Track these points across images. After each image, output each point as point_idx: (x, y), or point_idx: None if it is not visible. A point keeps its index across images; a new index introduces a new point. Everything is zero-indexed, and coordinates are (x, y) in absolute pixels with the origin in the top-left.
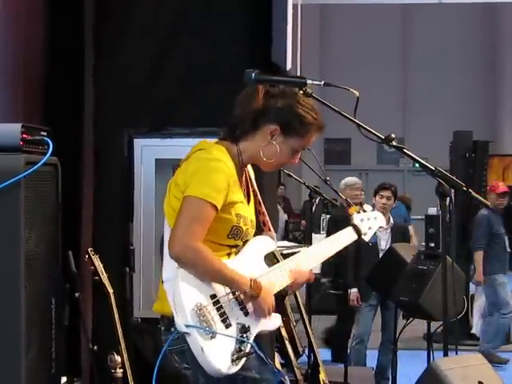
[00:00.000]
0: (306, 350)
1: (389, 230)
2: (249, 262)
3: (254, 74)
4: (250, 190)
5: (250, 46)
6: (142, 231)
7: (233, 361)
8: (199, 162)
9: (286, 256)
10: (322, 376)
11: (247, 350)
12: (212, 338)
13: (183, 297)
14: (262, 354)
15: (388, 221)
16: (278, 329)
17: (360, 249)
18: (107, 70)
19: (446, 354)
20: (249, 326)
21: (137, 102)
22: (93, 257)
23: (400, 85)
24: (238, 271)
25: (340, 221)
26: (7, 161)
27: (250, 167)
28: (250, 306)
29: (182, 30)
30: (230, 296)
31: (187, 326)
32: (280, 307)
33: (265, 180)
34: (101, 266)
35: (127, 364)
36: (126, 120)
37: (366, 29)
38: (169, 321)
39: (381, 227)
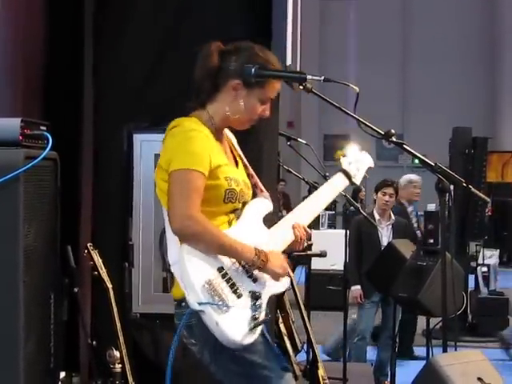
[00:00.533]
0: (305, 346)
1: (390, 227)
2: (250, 226)
3: (253, 69)
4: (235, 154)
5: (250, 39)
6: (141, 226)
7: (250, 329)
8: (174, 137)
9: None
10: (320, 372)
11: (262, 317)
12: (226, 311)
13: (191, 275)
14: (269, 338)
15: (389, 217)
16: (277, 325)
17: (362, 245)
18: (107, 65)
19: (445, 350)
20: (259, 293)
21: (136, 96)
22: (92, 252)
23: (399, 81)
24: (241, 240)
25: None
26: (7, 155)
27: (230, 134)
28: (257, 273)
29: (181, 26)
30: (237, 265)
31: (200, 304)
32: (279, 303)
33: (264, 176)
34: (100, 260)
35: (126, 359)
36: (125, 115)
37: (366, 24)
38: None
39: (370, 167)
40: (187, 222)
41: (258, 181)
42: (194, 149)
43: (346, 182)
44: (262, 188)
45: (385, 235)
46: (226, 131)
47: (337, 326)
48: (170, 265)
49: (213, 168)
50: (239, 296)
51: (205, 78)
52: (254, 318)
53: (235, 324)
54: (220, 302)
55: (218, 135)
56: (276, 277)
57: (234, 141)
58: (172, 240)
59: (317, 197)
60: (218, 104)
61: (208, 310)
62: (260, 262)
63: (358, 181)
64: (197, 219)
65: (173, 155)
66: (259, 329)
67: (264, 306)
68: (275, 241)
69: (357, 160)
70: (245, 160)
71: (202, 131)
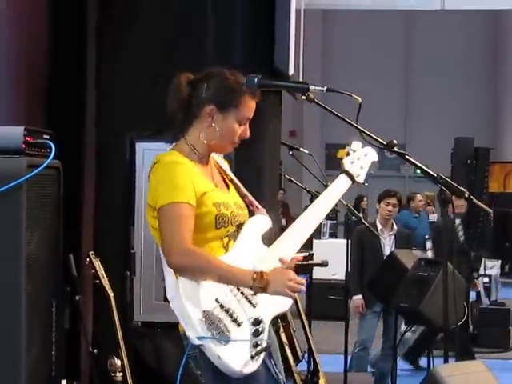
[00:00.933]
0: (306, 356)
1: (392, 237)
2: (248, 247)
3: (256, 79)
4: (226, 178)
5: (253, 50)
6: (143, 235)
7: (252, 357)
8: (156, 174)
9: None
10: (321, 382)
11: (264, 345)
12: (226, 342)
13: (189, 309)
14: (269, 366)
15: (391, 227)
16: (278, 334)
17: (364, 255)
18: (110, 72)
19: (446, 361)
20: (261, 317)
21: (139, 105)
22: (93, 260)
23: (402, 91)
24: (239, 264)
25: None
26: (9, 163)
27: (220, 159)
28: (254, 298)
29: (185, 34)
30: (235, 292)
31: (199, 338)
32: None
33: (266, 186)
34: (101, 269)
35: (127, 368)
36: (128, 123)
37: (369, 34)
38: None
39: (374, 161)
40: (182, 257)
41: (253, 199)
42: (177, 182)
43: (349, 183)
44: (258, 205)
45: (387, 245)
46: (216, 157)
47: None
48: (170, 300)
49: (199, 196)
50: (239, 324)
51: (177, 111)
52: (256, 345)
53: (237, 354)
54: (219, 335)
55: (203, 163)
56: (283, 295)
57: (225, 166)
58: (168, 274)
59: (320, 202)
60: (196, 133)
61: (208, 344)
62: (259, 286)
63: (361, 179)
64: (191, 252)
65: (157, 191)
66: (262, 356)
67: (266, 330)
68: (276, 257)
69: (359, 157)
70: (237, 181)
71: (182, 163)
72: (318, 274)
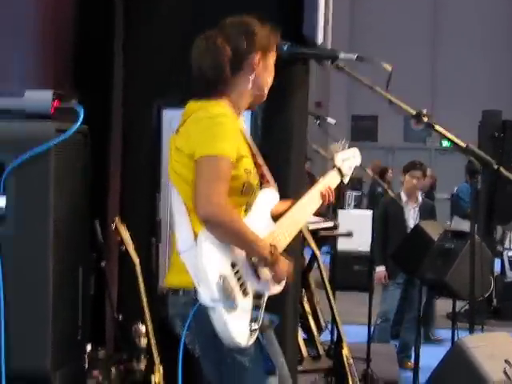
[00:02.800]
0: (329, 326)
1: (417, 209)
2: (259, 220)
3: (286, 46)
4: (246, 142)
5: (282, 19)
6: (168, 202)
7: (251, 331)
8: (201, 122)
9: (311, 231)
10: (345, 352)
11: (261, 319)
12: (234, 310)
13: (208, 268)
14: (260, 339)
15: (416, 199)
16: (302, 304)
17: (388, 226)
18: (137, 38)
19: (471, 333)
20: (262, 292)
21: (167, 72)
22: (119, 226)
23: (429, 62)
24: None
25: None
26: (38, 128)
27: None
28: (261, 271)
29: (212, 3)
30: (246, 262)
31: (213, 301)
32: (304, 282)
33: (294, 155)
34: (127, 235)
35: (151, 334)
36: (155, 91)
37: (396, 5)
38: (190, 294)
39: (357, 165)
40: (215, 210)
41: (266, 171)
42: (225, 136)
43: (338, 180)
44: (269, 179)
45: (411, 217)
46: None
47: None
48: (179, 252)
49: (237, 157)
50: (246, 295)
51: (224, 69)
52: (255, 320)
53: (239, 325)
54: (231, 302)
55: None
56: (278, 278)
57: (244, 126)
58: (183, 226)
59: (310, 194)
60: (240, 87)
61: (219, 307)
62: (272, 260)
63: (346, 180)
64: (224, 208)
65: (200, 140)
66: (257, 333)
67: (263, 307)
68: (283, 234)
69: (349, 157)
70: (254, 147)
71: (230, 117)
72: (343, 244)
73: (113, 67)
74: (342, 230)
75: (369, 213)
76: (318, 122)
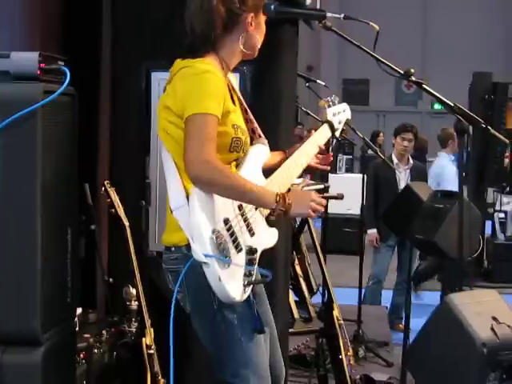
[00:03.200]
0: (321, 289)
1: (408, 171)
2: (253, 172)
3: (273, 6)
4: (235, 97)
5: None
6: (158, 165)
7: (244, 286)
8: (186, 79)
9: None
10: (335, 313)
11: (255, 273)
12: (227, 265)
13: (201, 224)
14: (250, 297)
15: (407, 161)
16: (293, 266)
17: (379, 189)
18: (126, 1)
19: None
20: (255, 248)
21: (156, 34)
22: (109, 189)
23: (420, 25)
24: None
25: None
26: (24, 89)
27: (231, 75)
28: (255, 226)
29: None
30: (239, 217)
31: (206, 256)
32: (295, 245)
33: (283, 118)
34: (117, 198)
35: (142, 296)
36: (143, 53)
37: None
38: (181, 249)
39: (348, 118)
40: (205, 168)
41: (257, 126)
42: (211, 93)
43: (329, 134)
44: (261, 133)
45: (403, 179)
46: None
47: None
48: (172, 210)
49: (224, 113)
50: (239, 250)
51: (212, 25)
52: (249, 275)
53: (233, 280)
54: (225, 257)
55: (225, 77)
56: (306, 216)
57: (235, 83)
58: (175, 184)
59: (302, 148)
60: (230, 45)
61: (213, 263)
62: (281, 208)
63: (337, 133)
64: (214, 164)
65: (188, 99)
66: (251, 288)
67: (257, 261)
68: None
69: (339, 111)
70: (244, 104)
71: (216, 73)
72: (334, 208)
73: (101, 30)
74: (333, 193)
75: (360, 176)
76: (308, 84)
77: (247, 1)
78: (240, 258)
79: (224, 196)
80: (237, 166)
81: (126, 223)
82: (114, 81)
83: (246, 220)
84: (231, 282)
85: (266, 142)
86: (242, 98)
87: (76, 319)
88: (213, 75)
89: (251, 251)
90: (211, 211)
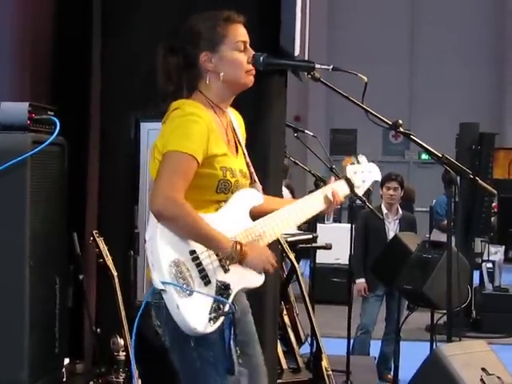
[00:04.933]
0: (309, 339)
1: (397, 221)
2: (231, 215)
3: (262, 58)
4: (236, 139)
5: (259, 30)
6: (146, 215)
7: (210, 319)
8: (174, 120)
9: (290, 244)
10: (324, 364)
11: (226, 309)
12: (189, 295)
13: (160, 252)
14: (226, 336)
15: (396, 212)
16: (281, 316)
17: (368, 239)
18: (115, 49)
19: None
20: (229, 284)
21: (145, 84)
22: (97, 239)
23: (407, 76)
24: (219, 227)
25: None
26: (14, 139)
27: (233, 115)
28: (232, 264)
29: (191, 13)
30: (211, 252)
31: (163, 283)
32: (283, 295)
33: (271, 168)
34: (105, 248)
35: (130, 347)
36: (132, 102)
37: (374, 17)
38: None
39: (376, 180)
40: (167, 204)
41: (253, 171)
42: (192, 134)
43: (347, 192)
44: (256, 179)
45: (391, 229)
46: (231, 112)
47: None
48: (145, 241)
49: (209, 156)
50: (206, 283)
51: (175, 81)
52: (217, 309)
53: (196, 310)
54: (184, 285)
55: (219, 114)
56: (258, 269)
57: (236, 124)
58: (152, 217)
59: (311, 197)
60: (206, 84)
61: (170, 290)
62: (237, 256)
63: (360, 192)
64: (178, 202)
65: (170, 137)
66: (220, 321)
67: (231, 298)
68: (260, 232)
69: (363, 171)
70: (243, 147)
71: (202, 115)
72: (322, 258)
73: (90, 79)
74: (321, 243)
75: (348, 226)
76: (296, 134)
77: (197, 42)
78: (207, 291)
79: (182, 234)
80: (219, 207)
81: (115, 273)
82: (102, 130)
83: (218, 255)
84: (193, 312)
85: (260, 187)
86: (241, 138)
87: (64, 370)
88: (198, 118)
89: (224, 287)
90: (174, 241)
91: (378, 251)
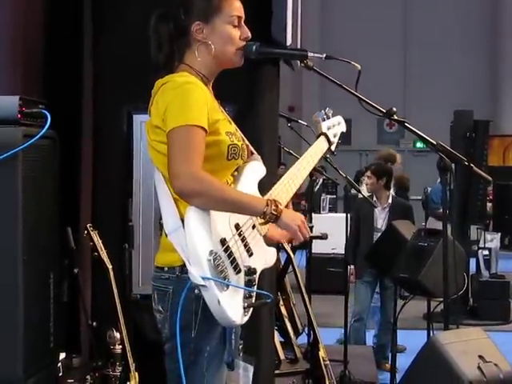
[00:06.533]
0: (306, 329)
1: (387, 209)
2: (250, 190)
3: (255, 47)
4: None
5: (250, 20)
6: (141, 207)
7: (244, 309)
8: (166, 94)
9: None
10: (321, 354)
11: (254, 295)
12: (227, 287)
13: (198, 246)
14: (229, 333)
15: (386, 200)
16: (278, 307)
17: (359, 227)
18: (107, 42)
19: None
20: (254, 268)
21: (137, 76)
22: (92, 233)
23: (400, 64)
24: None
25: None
26: (5, 133)
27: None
28: (253, 245)
29: None
30: (237, 237)
31: (204, 279)
32: (280, 285)
33: (266, 159)
34: (100, 241)
35: (126, 340)
36: (125, 95)
37: (368, 7)
38: (174, 270)
39: (343, 131)
40: (193, 181)
41: (248, 143)
42: (192, 103)
43: (327, 147)
44: (253, 150)
45: (380, 218)
46: None
47: None
48: (167, 234)
49: (212, 122)
50: (238, 271)
51: (166, 50)
52: (248, 297)
53: (233, 302)
54: (223, 279)
55: (208, 88)
56: (292, 229)
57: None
58: (169, 208)
59: (302, 160)
60: (194, 55)
61: (211, 285)
62: (273, 212)
63: (333, 147)
64: (200, 177)
65: (169, 112)
66: (251, 310)
67: (256, 282)
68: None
69: (334, 124)
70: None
71: (196, 83)
72: (318, 248)
73: (82, 72)
74: (317, 233)
75: (343, 215)
76: (290, 124)
77: (191, 10)
78: (239, 280)
79: (212, 207)
80: (233, 183)
81: (110, 266)
82: (95, 123)
83: (243, 240)
84: (231, 305)
85: (259, 158)
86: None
87: (60, 364)
88: (193, 85)
89: (250, 272)
90: (208, 232)
91: (365, 239)
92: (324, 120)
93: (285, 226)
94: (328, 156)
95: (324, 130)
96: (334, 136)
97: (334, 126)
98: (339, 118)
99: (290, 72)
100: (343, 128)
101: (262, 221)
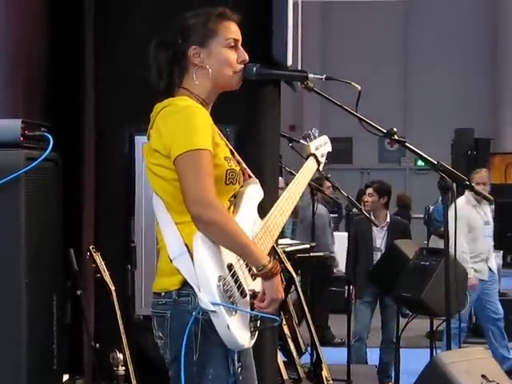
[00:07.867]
0: (309, 349)
1: (385, 228)
2: (249, 215)
3: (255, 68)
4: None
5: (251, 41)
6: (143, 228)
7: (251, 333)
8: (169, 117)
9: (287, 253)
10: (324, 373)
11: (259, 321)
12: (235, 312)
13: (207, 271)
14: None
15: (384, 219)
16: (281, 327)
17: (358, 246)
18: (109, 64)
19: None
20: (258, 291)
21: (139, 98)
22: (94, 254)
23: (401, 82)
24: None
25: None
26: (8, 156)
27: None
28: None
29: None
30: (241, 262)
31: (213, 304)
32: (282, 305)
33: (267, 179)
34: (102, 263)
35: (129, 361)
36: (127, 116)
37: (367, 25)
38: (171, 295)
39: (329, 151)
40: (210, 209)
41: (246, 166)
42: (198, 127)
43: (316, 167)
44: (251, 173)
45: (378, 237)
46: None
47: None
48: (171, 259)
49: (213, 146)
50: (244, 295)
51: (165, 75)
52: (254, 320)
53: (241, 326)
54: (232, 303)
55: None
56: (270, 295)
57: None
58: (171, 233)
59: (294, 184)
60: (193, 80)
61: (221, 311)
62: (270, 271)
63: (321, 167)
64: (217, 206)
65: (174, 138)
66: (257, 333)
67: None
68: (271, 232)
69: (321, 144)
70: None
71: (198, 107)
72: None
73: (84, 94)
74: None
75: (345, 234)
76: (291, 144)
77: (187, 35)
78: (245, 304)
79: (222, 240)
80: (232, 208)
81: (112, 288)
82: (97, 145)
83: (247, 264)
84: (239, 329)
85: (257, 181)
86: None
87: None
88: (196, 109)
89: (254, 295)
90: (215, 258)
91: (363, 257)
92: (311, 140)
93: (268, 288)
94: (329, 175)
95: (312, 150)
96: (322, 156)
97: (321, 145)
98: (325, 138)
99: (291, 91)
100: (329, 148)
101: (254, 271)
